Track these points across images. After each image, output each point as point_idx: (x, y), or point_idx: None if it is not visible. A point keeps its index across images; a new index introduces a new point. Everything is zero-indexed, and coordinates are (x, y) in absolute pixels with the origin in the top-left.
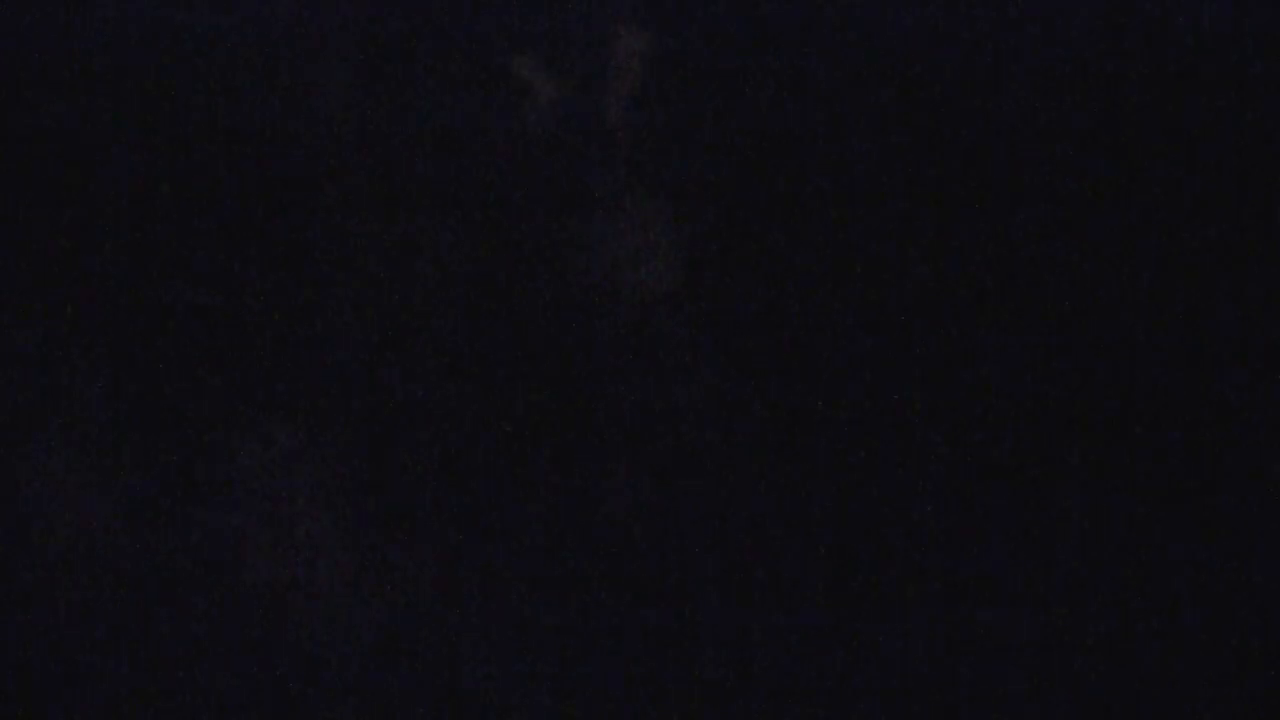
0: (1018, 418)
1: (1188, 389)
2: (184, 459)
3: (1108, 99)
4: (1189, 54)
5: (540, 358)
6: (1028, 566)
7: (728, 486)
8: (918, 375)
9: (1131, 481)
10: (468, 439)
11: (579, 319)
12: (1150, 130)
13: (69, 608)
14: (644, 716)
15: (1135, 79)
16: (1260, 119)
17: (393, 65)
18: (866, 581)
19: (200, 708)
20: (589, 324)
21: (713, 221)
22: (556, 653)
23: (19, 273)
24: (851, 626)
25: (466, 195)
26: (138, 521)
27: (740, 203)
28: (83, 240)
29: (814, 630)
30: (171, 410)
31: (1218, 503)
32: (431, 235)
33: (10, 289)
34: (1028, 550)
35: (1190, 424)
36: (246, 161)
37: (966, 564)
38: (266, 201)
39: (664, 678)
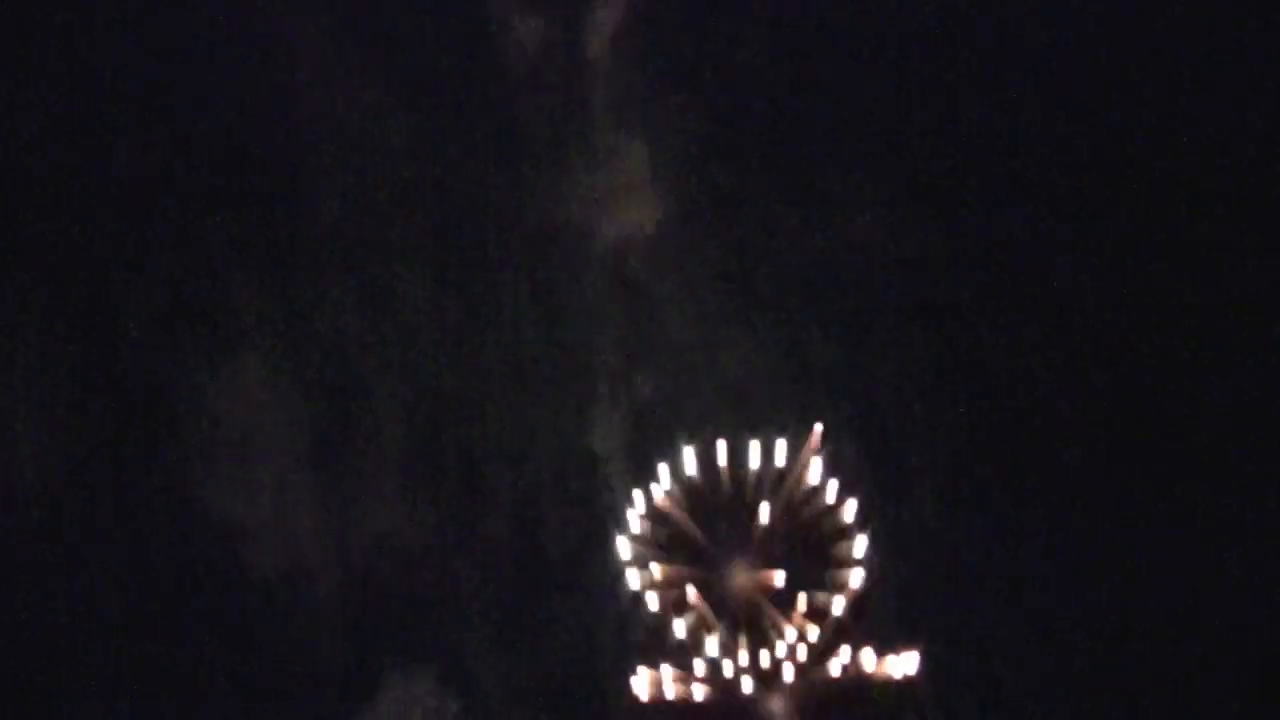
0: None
1: (1188, 389)
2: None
3: (1107, 99)
4: (1189, 54)
5: (518, 297)
6: (1028, 566)
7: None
8: (896, 318)
9: (1131, 481)
10: (441, 374)
11: (556, 259)
12: (1150, 130)
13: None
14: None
15: (1135, 79)
16: (1261, 119)
17: (373, 8)
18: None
19: (153, 638)
20: (566, 264)
21: (691, 162)
22: (520, 592)
23: None
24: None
25: (444, 134)
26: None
27: (718, 143)
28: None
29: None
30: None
31: (1218, 503)
32: (407, 176)
33: None
34: (1027, 550)
35: (1190, 424)
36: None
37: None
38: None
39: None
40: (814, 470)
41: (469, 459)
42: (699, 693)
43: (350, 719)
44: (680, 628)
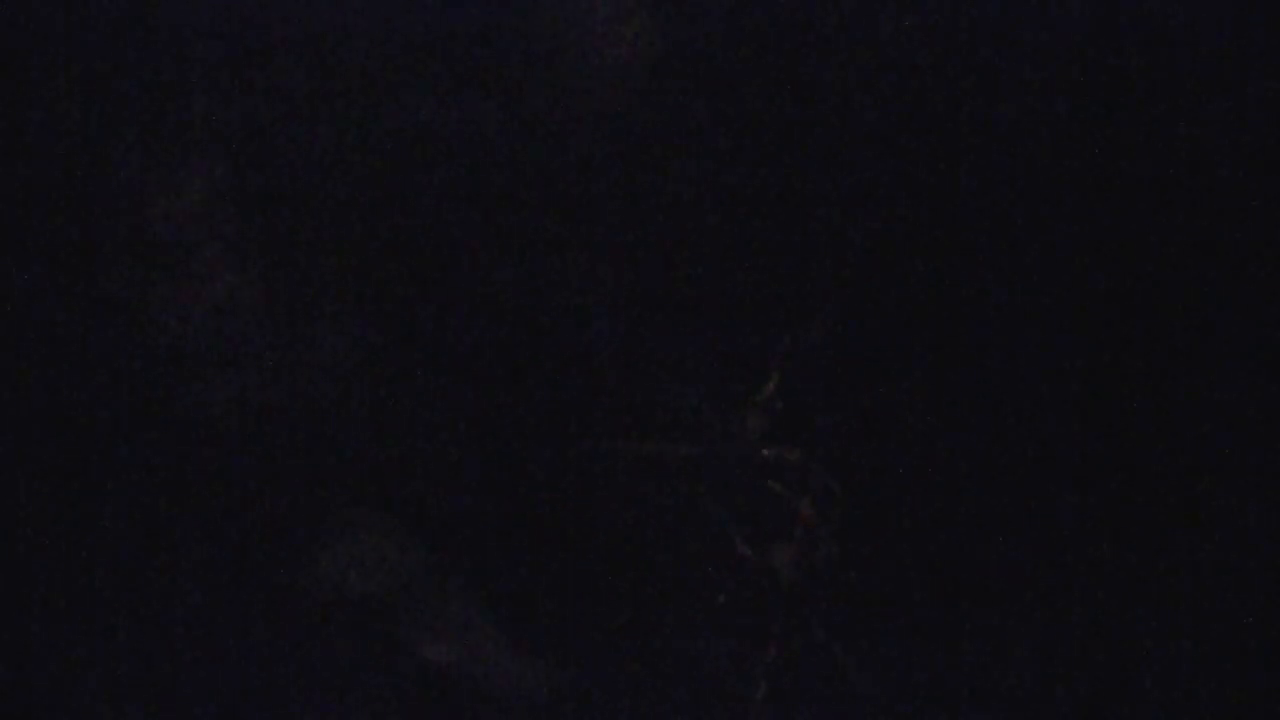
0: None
1: (1186, 390)
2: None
3: (1108, 99)
4: (1189, 54)
5: (513, 136)
6: (1027, 566)
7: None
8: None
9: (1132, 482)
10: (406, 186)
11: (552, 93)
12: (1150, 130)
13: None
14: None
15: (1136, 79)
16: (1260, 119)
17: None
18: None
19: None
20: (563, 99)
21: None
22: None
23: None
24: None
25: None
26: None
27: None
28: None
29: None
30: None
31: (1217, 503)
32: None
33: None
34: (1028, 550)
35: (1189, 425)
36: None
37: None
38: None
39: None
40: None
41: (437, 283)
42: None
43: (300, 571)
44: None
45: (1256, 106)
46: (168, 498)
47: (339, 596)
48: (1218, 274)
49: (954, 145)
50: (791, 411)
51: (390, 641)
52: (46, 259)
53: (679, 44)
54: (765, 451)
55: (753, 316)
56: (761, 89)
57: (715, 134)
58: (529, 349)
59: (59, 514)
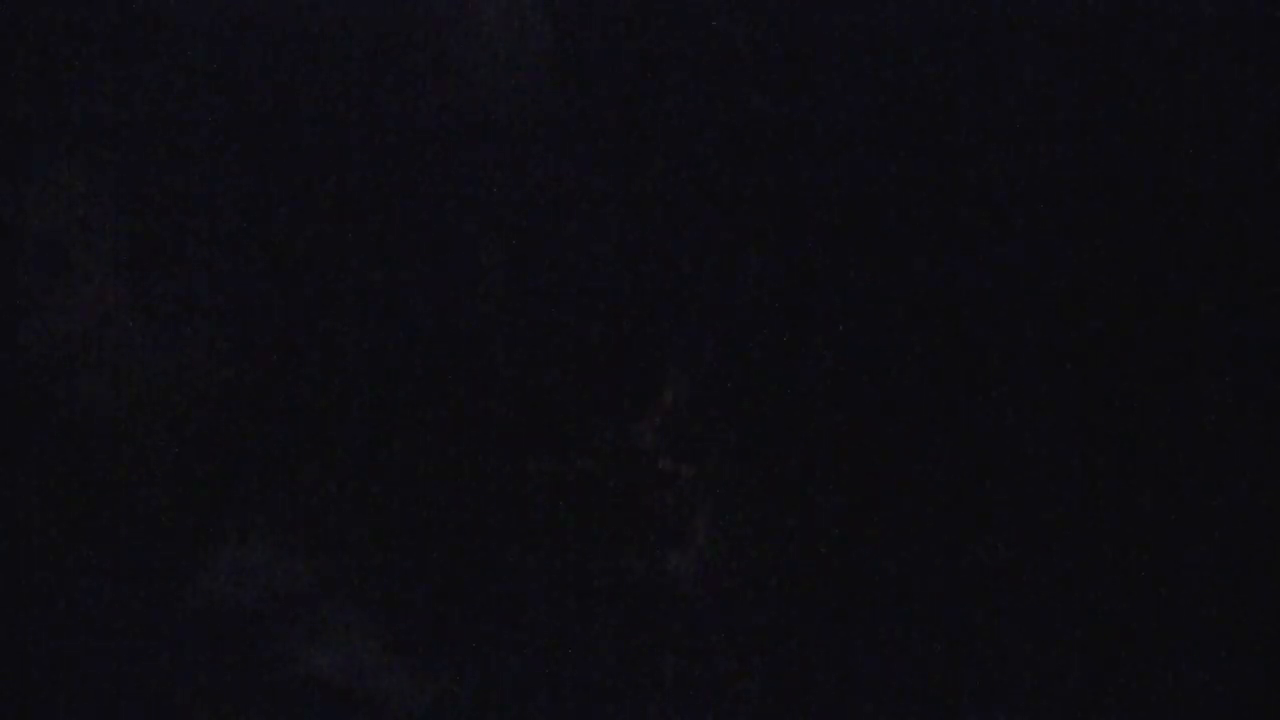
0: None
1: (1186, 390)
2: None
3: (1107, 99)
4: (1189, 54)
5: (400, 137)
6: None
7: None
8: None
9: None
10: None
11: (442, 93)
12: (1150, 130)
13: None
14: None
15: (1135, 79)
16: (1260, 119)
17: None
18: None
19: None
20: (453, 99)
21: None
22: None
23: None
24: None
25: None
26: None
27: None
28: None
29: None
30: None
31: (1217, 503)
32: None
33: None
34: (1027, 550)
35: (1187, 425)
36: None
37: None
38: None
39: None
40: None
41: (328, 279)
42: None
43: (181, 587)
44: None
45: (1257, 106)
46: (44, 507)
47: (222, 607)
48: (1218, 274)
49: (873, 150)
50: (686, 426)
51: (273, 652)
52: None
53: (569, 40)
54: (660, 464)
55: (648, 328)
56: (670, 83)
57: (612, 136)
58: (418, 357)
59: None
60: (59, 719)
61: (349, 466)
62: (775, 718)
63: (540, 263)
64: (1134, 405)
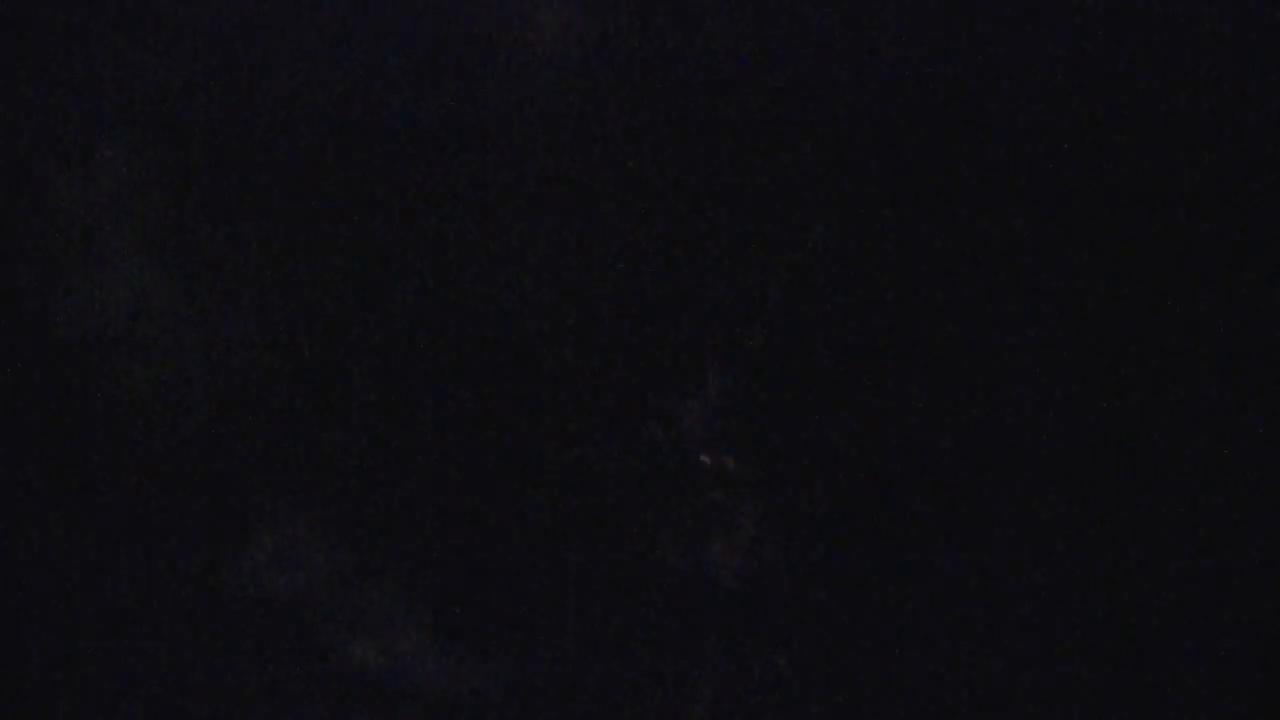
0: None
1: (1185, 390)
2: None
3: (1107, 99)
4: (1189, 54)
5: (439, 133)
6: (1027, 566)
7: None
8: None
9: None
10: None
11: (480, 88)
12: (1149, 130)
13: None
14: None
15: (1135, 79)
16: (1260, 119)
17: None
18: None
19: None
20: (489, 95)
21: None
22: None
23: None
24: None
25: None
26: None
27: None
28: None
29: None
30: None
31: (1216, 503)
32: None
33: None
34: (1027, 550)
35: (1188, 424)
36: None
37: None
38: None
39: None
40: None
41: (375, 259)
42: None
43: (219, 570)
44: None
45: (1257, 106)
46: (82, 496)
47: (261, 595)
48: (1218, 274)
49: (903, 153)
50: (731, 418)
51: (313, 640)
52: None
53: (604, 34)
54: (704, 459)
55: (691, 320)
56: (708, 82)
57: (651, 130)
58: (459, 346)
59: None
60: (99, 705)
61: (390, 453)
62: (817, 713)
63: (579, 250)
64: (1134, 405)
